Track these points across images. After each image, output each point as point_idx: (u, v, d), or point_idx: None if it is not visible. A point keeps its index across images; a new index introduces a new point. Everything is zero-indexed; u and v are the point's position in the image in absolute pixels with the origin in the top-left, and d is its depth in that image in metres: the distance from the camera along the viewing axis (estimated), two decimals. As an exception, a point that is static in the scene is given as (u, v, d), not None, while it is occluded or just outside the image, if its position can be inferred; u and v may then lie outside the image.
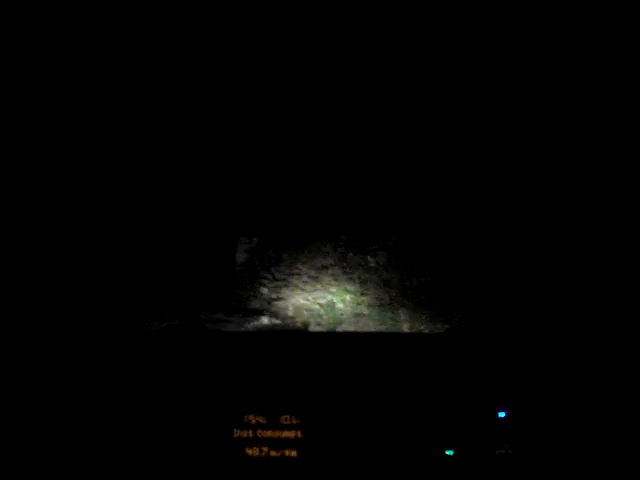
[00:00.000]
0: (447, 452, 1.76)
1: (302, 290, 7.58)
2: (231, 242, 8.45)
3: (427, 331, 4.51)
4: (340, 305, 7.43)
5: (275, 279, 7.84)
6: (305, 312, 7.22)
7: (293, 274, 7.66)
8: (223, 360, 1.93)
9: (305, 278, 7.60)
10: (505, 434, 1.73)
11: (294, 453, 1.83)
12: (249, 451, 1.79)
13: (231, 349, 2.05)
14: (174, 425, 1.68)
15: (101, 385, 1.68)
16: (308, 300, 7.72)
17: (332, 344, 2.32)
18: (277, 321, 6.30)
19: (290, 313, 7.61)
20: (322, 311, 7.03)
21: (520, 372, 1.83)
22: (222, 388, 1.81)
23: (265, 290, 8.15)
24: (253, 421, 1.82)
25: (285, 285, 7.64)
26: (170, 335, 3.13)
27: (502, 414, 1.71)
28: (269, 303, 7.58)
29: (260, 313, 7.56)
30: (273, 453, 1.80)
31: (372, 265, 7.72)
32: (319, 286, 7.47)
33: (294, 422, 1.86)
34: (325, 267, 7.52)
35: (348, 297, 7.05)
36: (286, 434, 1.85)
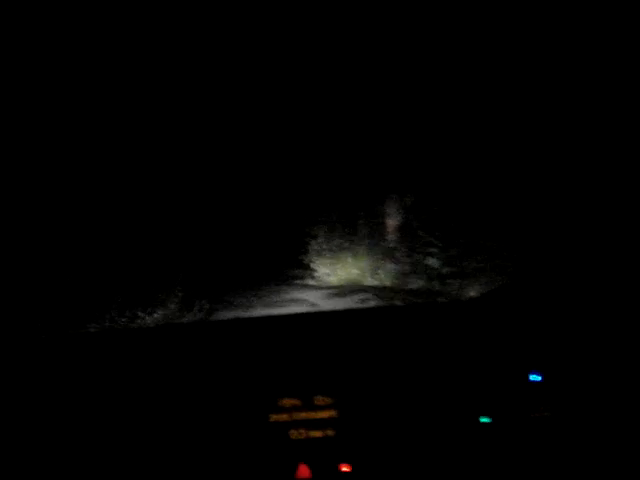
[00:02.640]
0: (482, 419, 1.68)
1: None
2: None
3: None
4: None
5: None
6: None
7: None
8: (254, 345, 2.13)
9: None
10: (540, 397, 1.61)
11: (331, 432, 1.94)
12: (287, 434, 1.96)
13: (260, 333, 2.23)
14: (211, 414, 1.94)
15: (139, 368, 2.03)
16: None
17: (361, 319, 2.35)
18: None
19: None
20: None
21: (553, 334, 1.82)
22: (254, 374, 2.01)
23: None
24: (288, 404, 1.97)
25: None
26: (205, 324, 3.45)
27: (536, 377, 1.63)
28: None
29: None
30: (310, 434, 1.94)
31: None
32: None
33: (328, 402, 1.97)
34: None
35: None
36: (321, 414, 1.97)
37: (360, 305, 5.74)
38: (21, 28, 4.91)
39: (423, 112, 6.78)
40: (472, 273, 6.65)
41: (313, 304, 5.94)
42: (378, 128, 7.09)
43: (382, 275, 7.31)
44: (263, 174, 6.85)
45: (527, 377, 1.69)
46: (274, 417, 1.99)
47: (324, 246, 7.59)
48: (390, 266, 7.41)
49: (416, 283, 7.02)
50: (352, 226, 7.71)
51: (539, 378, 1.68)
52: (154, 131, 5.86)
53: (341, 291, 6.59)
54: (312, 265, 7.47)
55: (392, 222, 7.86)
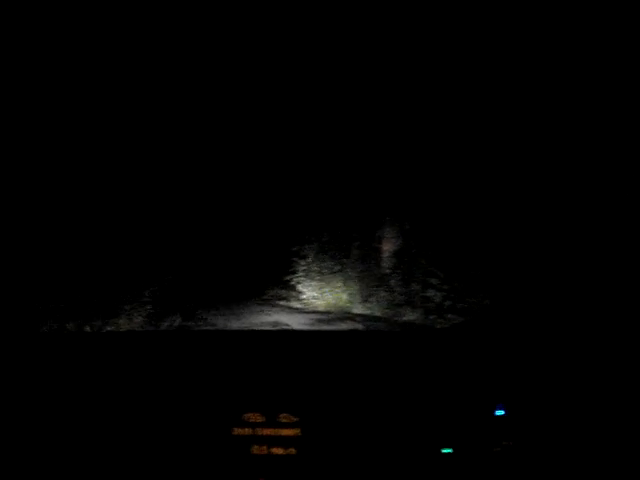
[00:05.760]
0: (444, 450, 1.88)
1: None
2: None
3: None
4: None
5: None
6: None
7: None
8: (223, 358, 2.31)
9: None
10: (503, 432, 1.83)
11: (293, 450, 2.08)
12: (249, 449, 2.10)
13: (231, 348, 2.42)
14: (174, 425, 2.10)
15: (105, 384, 2.19)
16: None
17: (330, 342, 2.54)
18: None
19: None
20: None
21: (519, 370, 2.05)
22: (221, 387, 2.19)
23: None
24: (252, 419, 2.12)
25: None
26: (173, 335, 3.62)
27: (500, 412, 1.84)
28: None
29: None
30: (272, 451, 2.09)
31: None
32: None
33: (293, 420, 2.12)
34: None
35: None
36: (285, 432, 2.11)
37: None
38: (21, 28, 5.11)
39: (433, 129, 6.88)
40: (478, 309, 6.51)
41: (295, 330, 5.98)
42: (382, 142, 7.14)
43: (374, 304, 7.26)
44: (251, 182, 6.94)
45: (493, 412, 1.86)
46: (237, 431, 2.12)
47: (313, 267, 7.55)
48: (383, 294, 7.34)
49: (411, 315, 6.97)
50: (345, 248, 7.71)
51: (503, 413, 1.85)
52: (139, 145, 6.00)
53: (327, 318, 6.46)
54: (298, 287, 7.46)
55: (389, 246, 7.81)
